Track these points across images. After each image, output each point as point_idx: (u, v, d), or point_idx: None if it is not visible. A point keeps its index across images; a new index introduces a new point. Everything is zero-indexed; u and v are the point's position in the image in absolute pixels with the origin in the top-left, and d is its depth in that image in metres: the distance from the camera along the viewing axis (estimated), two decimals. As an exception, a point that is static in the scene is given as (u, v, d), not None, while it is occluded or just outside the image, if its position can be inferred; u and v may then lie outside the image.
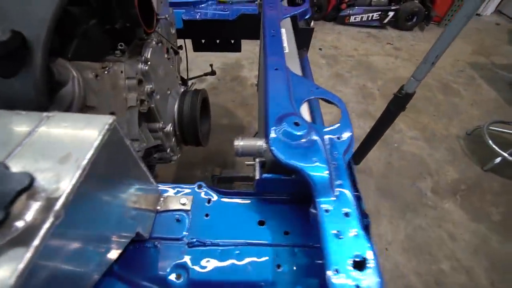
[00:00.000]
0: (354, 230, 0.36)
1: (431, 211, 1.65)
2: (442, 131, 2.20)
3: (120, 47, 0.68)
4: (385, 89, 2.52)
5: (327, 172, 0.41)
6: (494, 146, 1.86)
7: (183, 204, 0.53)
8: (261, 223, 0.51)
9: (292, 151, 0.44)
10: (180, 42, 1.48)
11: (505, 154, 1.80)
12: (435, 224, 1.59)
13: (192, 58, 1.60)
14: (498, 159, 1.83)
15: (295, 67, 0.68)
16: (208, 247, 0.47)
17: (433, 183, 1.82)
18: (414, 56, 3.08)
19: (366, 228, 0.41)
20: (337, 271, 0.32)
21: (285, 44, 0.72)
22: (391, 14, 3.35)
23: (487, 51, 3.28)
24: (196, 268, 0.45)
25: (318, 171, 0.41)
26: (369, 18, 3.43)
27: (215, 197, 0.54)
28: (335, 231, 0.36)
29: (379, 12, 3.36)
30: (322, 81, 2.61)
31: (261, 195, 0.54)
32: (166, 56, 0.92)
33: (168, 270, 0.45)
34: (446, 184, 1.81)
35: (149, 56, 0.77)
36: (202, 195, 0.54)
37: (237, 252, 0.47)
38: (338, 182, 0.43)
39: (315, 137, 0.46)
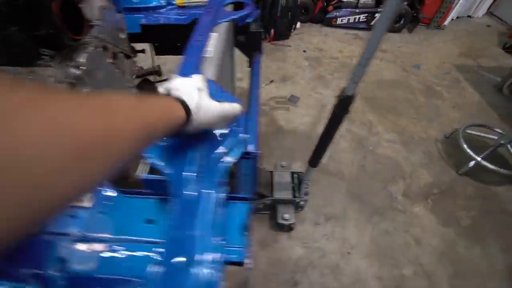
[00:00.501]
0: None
1: (399, 215, 1.64)
2: (421, 134, 2.18)
3: (44, 53, 0.70)
4: (366, 91, 2.51)
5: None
6: (467, 149, 1.84)
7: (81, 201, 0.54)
8: (149, 221, 0.52)
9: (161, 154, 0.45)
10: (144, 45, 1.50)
11: (478, 158, 1.78)
12: (402, 229, 1.58)
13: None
14: (472, 163, 1.81)
15: (215, 73, 0.69)
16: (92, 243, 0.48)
17: (405, 186, 1.80)
18: (400, 58, 3.06)
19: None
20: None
21: (211, 48, 0.73)
22: (377, 16, 3.34)
23: (475, 53, 3.24)
24: (76, 263, 0.46)
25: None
26: (356, 20, 3.42)
27: (114, 195, 0.55)
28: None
29: (366, 14, 3.35)
30: (303, 83, 2.61)
31: (158, 194, 0.55)
32: (110, 60, 0.93)
33: (49, 264, 0.46)
34: (418, 188, 1.80)
35: (83, 61, 0.78)
36: (103, 192, 0.56)
37: (122, 248, 0.48)
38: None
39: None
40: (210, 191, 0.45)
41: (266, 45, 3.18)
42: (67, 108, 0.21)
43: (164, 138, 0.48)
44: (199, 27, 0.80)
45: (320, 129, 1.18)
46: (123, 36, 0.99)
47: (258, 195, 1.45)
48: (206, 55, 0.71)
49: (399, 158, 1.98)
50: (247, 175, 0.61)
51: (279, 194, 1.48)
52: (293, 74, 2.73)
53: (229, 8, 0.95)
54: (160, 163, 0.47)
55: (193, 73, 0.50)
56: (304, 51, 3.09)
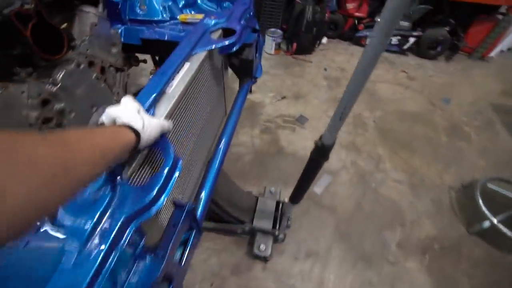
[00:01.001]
0: None
1: (389, 267, 1.50)
2: (434, 178, 1.98)
3: (17, 71, 0.73)
4: (382, 122, 2.35)
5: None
6: (483, 206, 1.63)
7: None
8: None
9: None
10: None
11: (494, 220, 1.57)
12: (389, 283, 1.44)
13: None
14: (486, 223, 1.61)
15: (168, 111, 0.66)
16: None
17: (403, 235, 1.65)
18: (428, 89, 2.82)
19: None
20: None
21: (174, 83, 0.71)
22: (412, 40, 3.11)
23: (520, 93, 2.89)
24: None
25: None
26: (388, 42, 3.21)
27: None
28: None
29: (399, 37, 3.14)
30: (316, 103, 2.51)
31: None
32: (96, 75, 0.95)
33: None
34: (417, 239, 1.63)
35: (59, 78, 0.80)
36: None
37: None
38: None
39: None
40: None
41: (286, 58, 3.12)
42: (29, 147, 0.26)
43: (123, 158, 0.51)
44: (175, 53, 0.78)
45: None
46: (115, 50, 1.00)
47: (237, 219, 1.41)
48: (167, 90, 0.68)
49: (403, 202, 1.82)
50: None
51: (258, 223, 1.42)
52: (307, 92, 2.64)
53: (217, 34, 0.92)
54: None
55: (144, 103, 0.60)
56: (325, 69, 2.97)
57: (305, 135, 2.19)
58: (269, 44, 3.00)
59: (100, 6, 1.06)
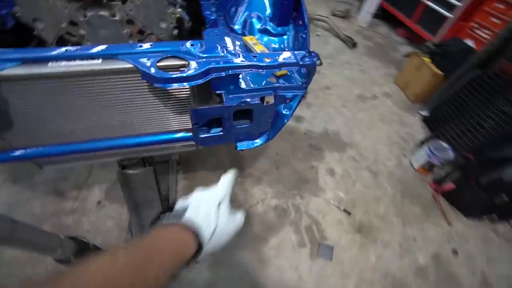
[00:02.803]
0: None
1: None
2: None
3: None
4: None
5: None
6: None
7: None
8: None
9: None
10: None
11: None
12: None
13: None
14: None
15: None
16: None
17: None
18: None
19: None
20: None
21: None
22: None
23: None
24: None
25: None
26: None
27: None
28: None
29: None
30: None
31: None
32: (128, 32, 0.94)
33: None
34: None
35: (88, 15, 0.86)
36: None
37: None
38: None
39: None
40: None
41: (420, 187, 2.06)
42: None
43: None
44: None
45: None
46: (163, 25, 0.97)
47: None
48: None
49: None
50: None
51: None
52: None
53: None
54: None
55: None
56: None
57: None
58: (420, 155, 2.07)
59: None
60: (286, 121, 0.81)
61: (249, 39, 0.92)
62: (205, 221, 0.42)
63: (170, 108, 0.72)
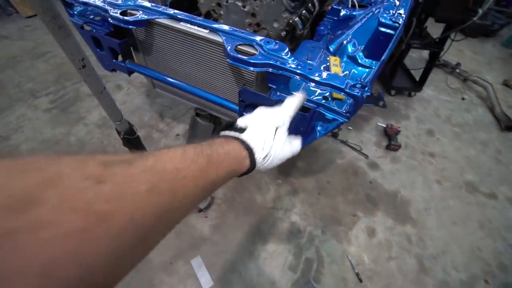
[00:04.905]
0: None
1: None
2: None
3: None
4: None
5: None
6: None
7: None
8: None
9: None
10: None
11: None
12: None
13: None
14: None
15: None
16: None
17: None
18: None
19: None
20: None
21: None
22: None
23: None
24: None
25: None
26: None
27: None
28: None
29: None
30: None
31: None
32: (249, 21, 1.20)
33: None
34: None
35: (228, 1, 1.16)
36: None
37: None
38: None
39: None
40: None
41: None
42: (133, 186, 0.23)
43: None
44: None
45: None
46: (275, 25, 1.15)
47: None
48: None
49: None
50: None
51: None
52: None
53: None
54: None
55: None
56: None
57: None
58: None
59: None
60: (316, 137, 0.85)
61: (333, 60, 0.98)
62: (260, 143, 0.43)
63: (236, 83, 0.92)
